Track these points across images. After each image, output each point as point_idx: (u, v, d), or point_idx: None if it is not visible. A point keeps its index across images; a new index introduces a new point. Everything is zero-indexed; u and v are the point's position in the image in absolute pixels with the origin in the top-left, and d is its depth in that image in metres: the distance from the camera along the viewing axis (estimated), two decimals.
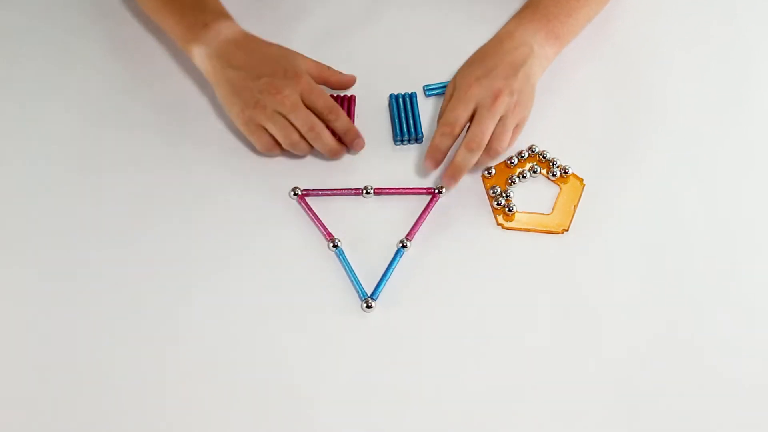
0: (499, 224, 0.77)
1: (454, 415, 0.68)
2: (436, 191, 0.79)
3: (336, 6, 0.91)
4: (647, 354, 0.70)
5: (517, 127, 0.75)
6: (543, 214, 0.78)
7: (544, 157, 0.81)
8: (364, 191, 0.78)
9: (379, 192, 0.79)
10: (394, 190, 0.79)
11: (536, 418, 0.68)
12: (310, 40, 0.88)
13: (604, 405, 0.68)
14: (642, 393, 0.69)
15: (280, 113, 0.74)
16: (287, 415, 0.67)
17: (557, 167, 0.80)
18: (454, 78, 0.77)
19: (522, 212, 0.78)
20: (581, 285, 0.74)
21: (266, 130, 0.75)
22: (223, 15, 0.79)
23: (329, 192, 0.79)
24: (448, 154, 0.75)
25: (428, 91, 0.85)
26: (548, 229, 0.77)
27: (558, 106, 0.83)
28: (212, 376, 0.69)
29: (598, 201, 0.78)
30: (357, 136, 0.77)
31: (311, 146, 0.76)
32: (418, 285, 0.74)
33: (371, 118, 0.84)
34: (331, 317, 0.72)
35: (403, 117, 0.83)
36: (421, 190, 0.79)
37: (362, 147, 0.78)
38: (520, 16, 0.80)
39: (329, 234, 0.76)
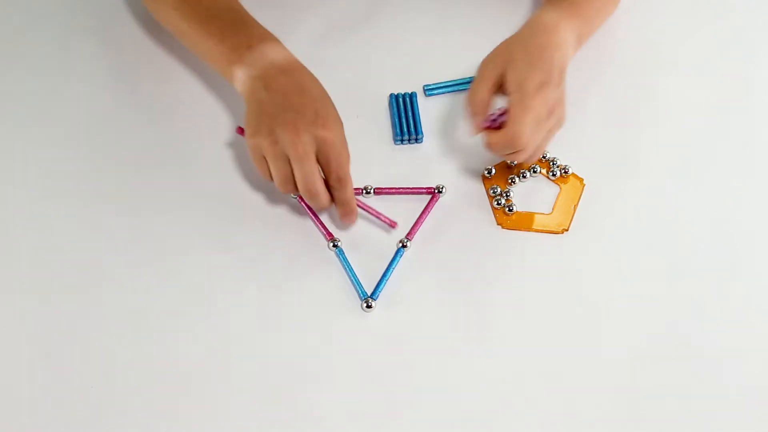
0: (498, 224, 0.77)
1: (454, 415, 0.68)
2: (436, 191, 0.78)
3: (336, 5, 0.91)
4: (647, 353, 0.70)
5: (550, 133, 0.74)
6: (543, 213, 0.78)
7: (544, 157, 0.81)
8: (364, 191, 0.78)
9: (379, 192, 0.79)
10: (394, 190, 0.79)
11: (537, 418, 0.67)
12: (311, 39, 0.88)
13: (604, 404, 0.68)
14: (642, 392, 0.68)
15: (287, 156, 0.68)
16: (287, 415, 0.67)
17: (557, 167, 0.80)
18: (504, 68, 0.71)
19: (522, 212, 0.78)
20: (581, 285, 0.74)
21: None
22: (268, 37, 0.74)
23: None
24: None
25: (428, 91, 0.85)
26: (548, 229, 0.77)
27: None
28: (212, 376, 0.69)
29: (598, 201, 0.78)
30: (352, 212, 0.71)
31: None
32: (418, 285, 0.74)
33: (371, 118, 0.83)
34: (331, 317, 0.72)
35: (403, 117, 0.83)
36: (421, 190, 0.79)
37: (353, 222, 0.73)
38: (560, 7, 0.76)
39: (329, 234, 0.76)
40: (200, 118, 0.83)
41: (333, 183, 0.70)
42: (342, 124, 0.71)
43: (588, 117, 0.83)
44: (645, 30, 0.89)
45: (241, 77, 0.73)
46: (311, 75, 0.73)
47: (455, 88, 0.85)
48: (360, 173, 0.78)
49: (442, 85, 0.86)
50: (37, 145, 0.82)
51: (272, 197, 0.78)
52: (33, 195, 0.79)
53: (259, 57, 0.72)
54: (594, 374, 0.69)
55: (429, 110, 0.84)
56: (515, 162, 0.79)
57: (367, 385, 0.69)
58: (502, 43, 0.75)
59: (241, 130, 0.76)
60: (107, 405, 0.68)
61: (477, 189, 0.79)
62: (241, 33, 0.74)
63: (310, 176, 0.68)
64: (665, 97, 0.84)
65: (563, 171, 0.80)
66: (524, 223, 0.77)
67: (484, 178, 0.80)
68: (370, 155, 0.81)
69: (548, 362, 0.70)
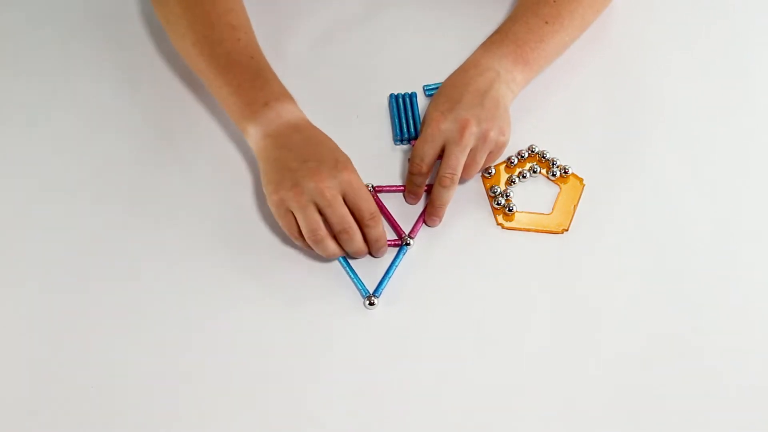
0: (498, 224, 0.77)
1: (455, 413, 0.68)
2: None
3: (336, 5, 0.91)
4: (647, 354, 0.70)
5: (491, 154, 0.75)
6: (543, 214, 0.78)
7: (544, 157, 0.81)
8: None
9: (379, 190, 0.79)
10: (394, 188, 0.79)
11: (537, 417, 0.67)
12: (311, 39, 0.88)
13: (603, 403, 0.68)
14: (642, 393, 0.68)
15: (315, 204, 0.68)
16: (289, 413, 0.67)
17: (557, 167, 0.80)
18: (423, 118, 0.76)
19: (522, 212, 0.78)
20: (581, 284, 0.74)
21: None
22: (285, 96, 0.74)
23: None
24: None
25: (428, 91, 0.85)
26: (548, 229, 0.77)
27: (557, 105, 0.83)
28: (213, 375, 0.69)
29: (597, 201, 0.78)
30: (385, 245, 0.72)
31: (338, 246, 0.71)
32: (419, 283, 0.73)
33: (371, 118, 0.84)
34: (333, 314, 0.72)
35: (403, 117, 0.83)
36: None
37: (384, 254, 0.74)
38: (488, 42, 0.79)
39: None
40: (201, 117, 0.83)
41: (367, 222, 0.70)
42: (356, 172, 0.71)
43: (587, 117, 0.83)
44: (643, 29, 0.89)
45: (254, 135, 0.73)
46: (323, 132, 0.73)
47: None
48: (361, 172, 0.77)
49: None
50: (36, 145, 0.82)
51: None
52: (32, 195, 0.79)
53: (275, 117, 0.72)
54: (593, 374, 0.69)
55: None
56: (492, 166, 0.80)
57: (369, 382, 0.69)
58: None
59: None
60: (107, 405, 0.68)
61: (477, 187, 0.79)
62: (259, 88, 0.74)
63: (346, 218, 0.69)
64: (664, 97, 0.84)
65: (563, 171, 0.80)
66: (524, 223, 0.77)
67: (483, 178, 0.80)
68: (371, 155, 0.80)
69: (548, 361, 0.70)
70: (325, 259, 0.73)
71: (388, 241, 0.74)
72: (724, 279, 0.74)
